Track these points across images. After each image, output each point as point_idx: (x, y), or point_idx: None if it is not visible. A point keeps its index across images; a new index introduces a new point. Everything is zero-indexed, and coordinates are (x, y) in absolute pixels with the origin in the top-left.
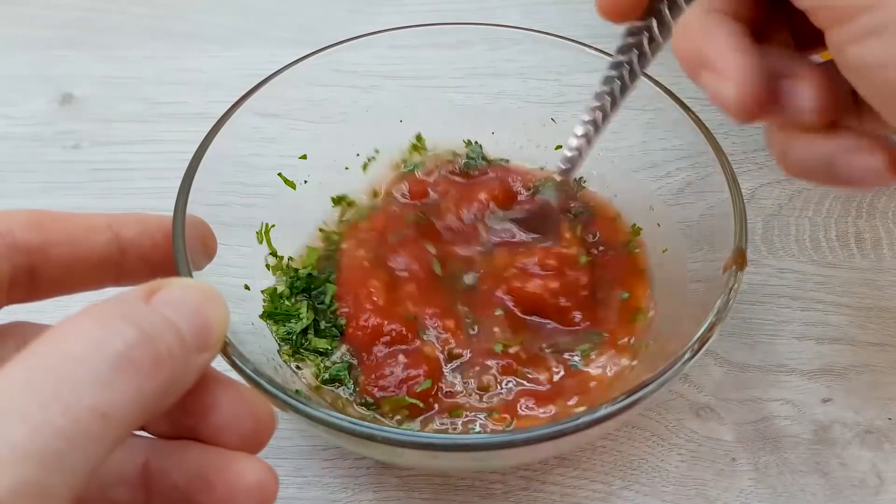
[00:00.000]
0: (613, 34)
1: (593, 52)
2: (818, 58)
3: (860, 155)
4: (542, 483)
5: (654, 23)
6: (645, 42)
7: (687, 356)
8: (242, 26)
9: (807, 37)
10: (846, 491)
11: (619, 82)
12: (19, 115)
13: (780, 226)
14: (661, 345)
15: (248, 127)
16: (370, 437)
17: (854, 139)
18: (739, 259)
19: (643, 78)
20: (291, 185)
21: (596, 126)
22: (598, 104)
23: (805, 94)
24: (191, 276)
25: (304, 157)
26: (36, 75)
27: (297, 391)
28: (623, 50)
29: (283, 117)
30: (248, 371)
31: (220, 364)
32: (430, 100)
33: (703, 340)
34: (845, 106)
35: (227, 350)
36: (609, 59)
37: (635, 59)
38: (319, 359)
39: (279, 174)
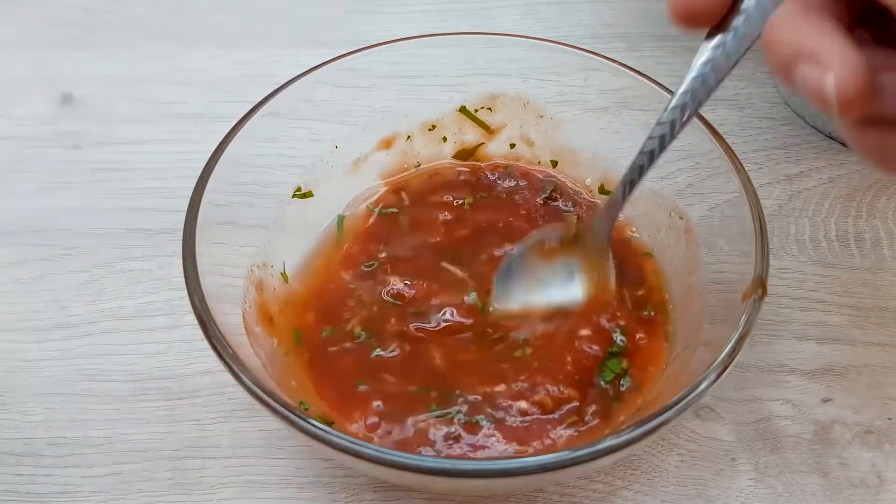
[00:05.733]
0: (612, 34)
1: (591, 55)
2: None
3: None
4: None
5: (729, 35)
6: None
7: (700, 389)
8: (242, 26)
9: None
10: (846, 491)
11: (679, 113)
12: (19, 115)
13: (780, 226)
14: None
15: (259, 130)
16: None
17: None
18: (760, 288)
19: (655, 86)
20: (303, 195)
21: (651, 157)
22: (657, 135)
23: None
24: (198, 274)
25: (311, 161)
26: (36, 75)
27: (301, 403)
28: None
29: (288, 119)
30: (250, 384)
31: (223, 376)
32: (430, 100)
33: (722, 366)
34: None
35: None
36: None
37: (699, 88)
38: None
39: (297, 188)
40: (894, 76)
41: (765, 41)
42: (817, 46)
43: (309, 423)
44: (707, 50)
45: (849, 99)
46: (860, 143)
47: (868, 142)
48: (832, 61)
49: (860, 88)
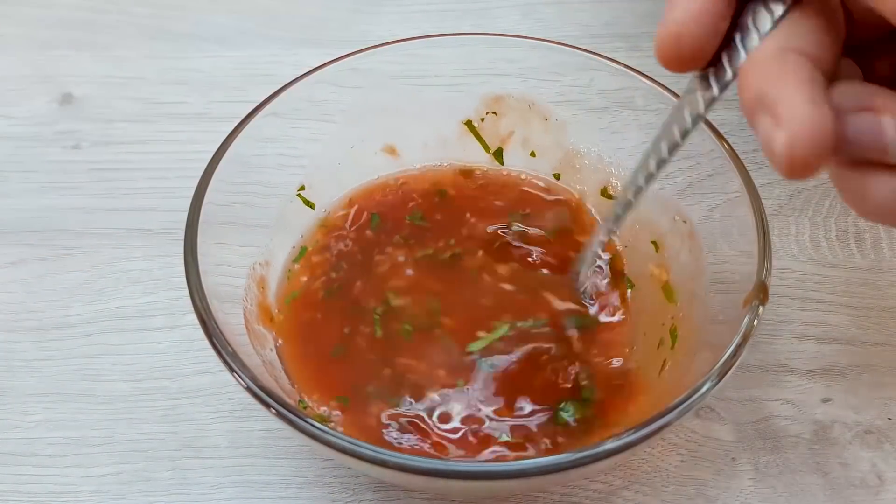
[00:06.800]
0: (611, 34)
1: (591, 55)
2: None
3: None
4: None
5: (718, 70)
6: (714, 85)
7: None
8: (242, 26)
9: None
10: (846, 491)
11: (677, 131)
12: (19, 115)
13: (780, 226)
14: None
15: (261, 130)
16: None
17: None
18: (762, 294)
19: (655, 86)
20: (309, 204)
21: (649, 176)
22: (655, 159)
23: (890, 125)
24: (199, 273)
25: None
26: (36, 75)
27: (300, 401)
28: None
29: (290, 119)
30: (250, 384)
31: (223, 376)
32: (431, 100)
33: (724, 369)
34: None
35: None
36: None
37: (701, 104)
38: None
39: (300, 189)
40: (865, 117)
41: (739, 81)
42: (779, 97)
43: (308, 423)
44: (696, 89)
45: (793, 161)
46: (839, 185)
47: (847, 183)
48: (789, 117)
49: (813, 149)
